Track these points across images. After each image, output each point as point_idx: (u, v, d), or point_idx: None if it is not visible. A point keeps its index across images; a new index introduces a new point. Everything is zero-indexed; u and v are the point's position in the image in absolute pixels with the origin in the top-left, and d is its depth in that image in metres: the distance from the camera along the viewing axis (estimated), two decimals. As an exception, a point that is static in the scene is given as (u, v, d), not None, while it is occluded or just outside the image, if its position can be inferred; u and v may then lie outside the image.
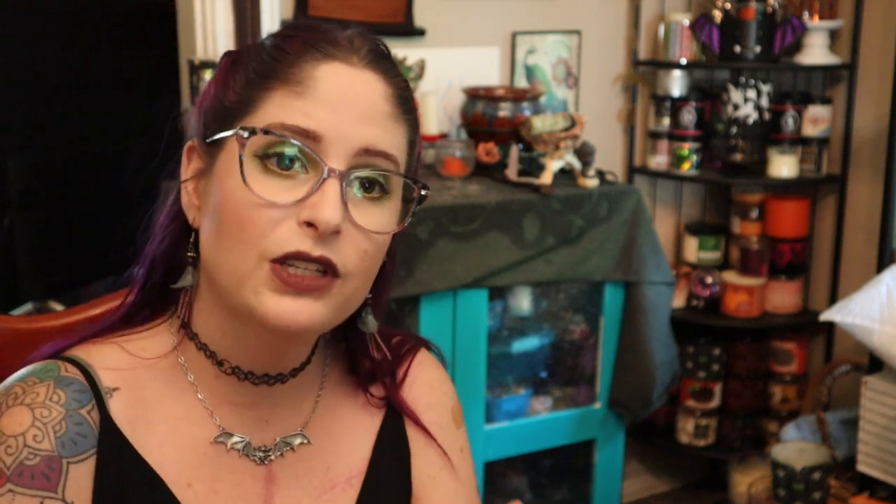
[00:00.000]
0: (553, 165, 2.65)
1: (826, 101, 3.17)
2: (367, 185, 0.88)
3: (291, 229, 0.84)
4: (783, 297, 3.26)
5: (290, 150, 0.85)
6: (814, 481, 2.75)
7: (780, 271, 3.25)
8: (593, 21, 3.19)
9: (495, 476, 2.79)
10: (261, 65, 0.88)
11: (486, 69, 3.02)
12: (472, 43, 2.99)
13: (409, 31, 2.87)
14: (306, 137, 0.85)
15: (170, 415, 0.92)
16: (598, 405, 2.82)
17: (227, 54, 0.94)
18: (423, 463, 1.05)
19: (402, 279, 2.41)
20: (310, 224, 0.84)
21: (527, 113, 2.80)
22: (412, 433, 1.05)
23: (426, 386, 1.07)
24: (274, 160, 0.85)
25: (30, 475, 0.84)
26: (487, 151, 2.76)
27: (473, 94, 2.83)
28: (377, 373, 1.04)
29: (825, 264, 3.33)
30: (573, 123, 2.72)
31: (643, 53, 3.27)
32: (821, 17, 3.13)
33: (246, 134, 0.85)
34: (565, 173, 2.74)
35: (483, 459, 2.65)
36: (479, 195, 2.56)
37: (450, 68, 2.94)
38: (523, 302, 2.72)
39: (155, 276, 0.96)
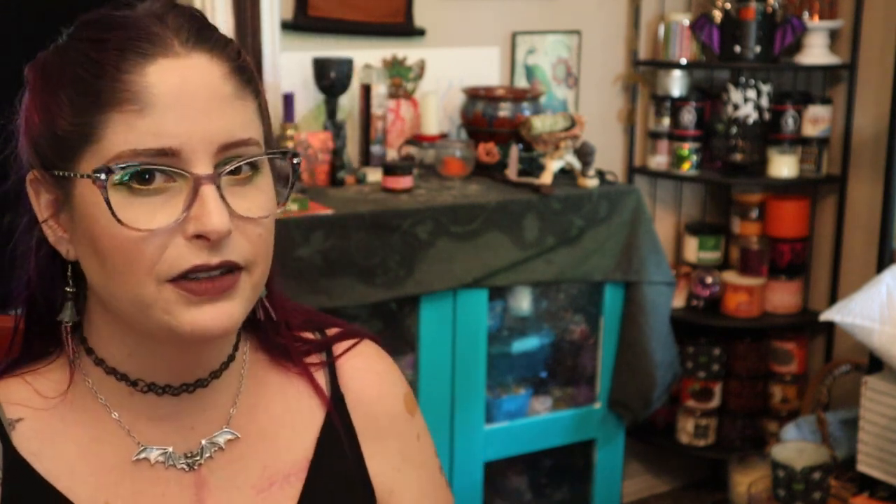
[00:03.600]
0: (553, 165, 2.65)
1: (826, 101, 3.17)
2: (236, 171, 0.85)
3: (181, 246, 0.82)
4: (783, 297, 3.26)
5: (152, 172, 0.82)
6: (814, 481, 2.75)
7: (780, 271, 3.25)
8: (593, 21, 3.19)
9: (495, 476, 2.79)
10: (81, 85, 0.82)
11: (486, 69, 3.02)
12: (472, 43, 2.99)
13: (409, 31, 2.87)
14: (164, 156, 0.81)
15: (82, 438, 0.90)
16: (598, 405, 2.82)
17: (33, 69, 0.88)
18: (381, 457, 1.02)
19: (402, 279, 2.41)
20: (199, 236, 0.82)
21: (527, 113, 2.80)
22: (361, 427, 1.01)
23: (372, 375, 1.04)
24: (136, 180, 0.81)
25: None
26: (487, 151, 2.76)
27: (473, 94, 2.83)
28: (290, 348, 1.01)
29: (825, 264, 3.33)
30: (573, 123, 2.72)
31: (643, 53, 3.27)
32: (821, 17, 3.13)
33: (103, 176, 0.80)
34: (565, 173, 2.74)
35: (483, 459, 2.65)
36: (479, 195, 2.56)
37: (450, 68, 2.94)
38: (523, 302, 2.72)
39: (37, 314, 0.93)
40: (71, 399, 0.91)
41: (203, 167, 0.82)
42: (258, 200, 0.86)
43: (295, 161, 0.89)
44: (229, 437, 0.94)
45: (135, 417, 0.92)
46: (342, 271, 2.34)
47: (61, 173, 0.84)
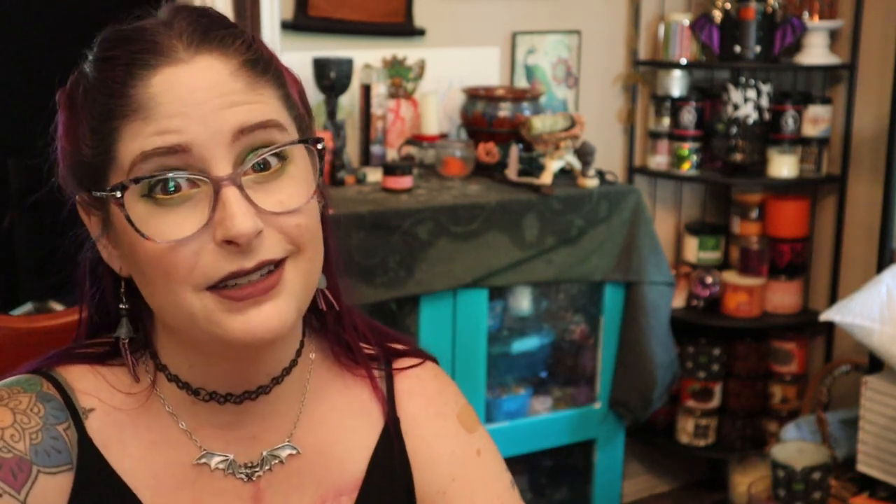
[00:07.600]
0: (553, 165, 2.65)
1: (826, 101, 3.17)
2: (262, 166, 0.82)
3: (214, 252, 0.80)
4: (783, 297, 3.26)
5: (169, 183, 0.80)
6: (814, 481, 2.75)
7: (780, 271, 3.25)
8: (593, 21, 3.19)
9: (495, 476, 2.79)
10: (97, 108, 0.82)
11: (486, 69, 3.02)
12: (472, 43, 2.99)
13: (409, 31, 2.87)
14: (174, 154, 0.79)
15: (145, 438, 0.91)
16: (598, 405, 2.82)
17: (62, 93, 0.88)
18: (429, 479, 1.00)
19: (403, 279, 2.41)
20: (229, 241, 0.79)
21: (527, 113, 2.80)
22: (413, 448, 1.00)
23: (423, 399, 1.02)
24: (159, 190, 0.80)
25: None
26: (487, 151, 2.76)
27: (473, 94, 2.83)
28: (354, 346, 0.99)
29: (825, 264, 3.33)
30: (573, 123, 2.72)
31: (643, 53, 3.27)
32: (821, 17, 3.13)
33: (119, 194, 0.80)
34: (565, 173, 2.74)
35: (483, 459, 2.65)
36: (479, 195, 2.56)
37: (450, 68, 2.94)
38: (523, 302, 2.72)
39: (95, 324, 0.94)
40: (138, 400, 0.92)
41: (221, 166, 0.80)
42: (290, 190, 0.83)
43: (319, 147, 0.86)
44: (291, 452, 0.94)
45: (197, 425, 0.91)
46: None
47: (95, 195, 0.85)
